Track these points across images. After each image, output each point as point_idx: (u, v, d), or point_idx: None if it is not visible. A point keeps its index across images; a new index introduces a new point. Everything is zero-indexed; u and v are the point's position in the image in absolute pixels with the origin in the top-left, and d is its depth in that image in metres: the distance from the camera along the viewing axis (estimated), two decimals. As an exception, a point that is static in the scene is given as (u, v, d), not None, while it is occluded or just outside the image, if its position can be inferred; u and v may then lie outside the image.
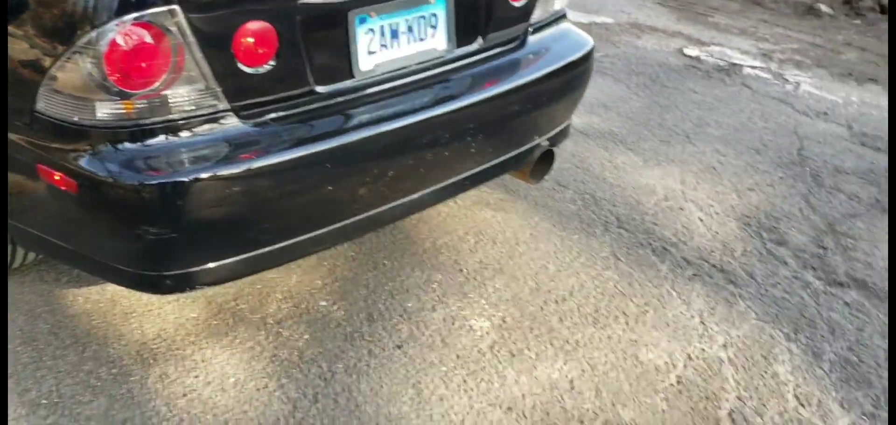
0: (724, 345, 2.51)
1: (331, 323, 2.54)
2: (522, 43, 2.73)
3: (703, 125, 4.04)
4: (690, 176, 3.53)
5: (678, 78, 4.64)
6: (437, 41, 2.40)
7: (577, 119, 3.93)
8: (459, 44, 2.48)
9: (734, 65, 4.90)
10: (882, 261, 2.96)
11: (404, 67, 2.32)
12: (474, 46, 2.54)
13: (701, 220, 3.19)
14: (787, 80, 4.69)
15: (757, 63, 4.95)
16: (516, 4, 2.63)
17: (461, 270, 2.82)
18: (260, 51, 1.99)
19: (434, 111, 2.34)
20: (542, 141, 2.85)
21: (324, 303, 2.62)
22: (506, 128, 2.65)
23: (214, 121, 2.03)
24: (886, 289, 2.81)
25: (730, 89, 4.52)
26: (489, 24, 2.51)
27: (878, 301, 2.75)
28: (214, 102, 2.01)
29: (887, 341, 2.57)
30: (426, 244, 2.95)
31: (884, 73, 4.90)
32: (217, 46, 1.95)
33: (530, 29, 2.75)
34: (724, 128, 4.02)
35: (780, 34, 5.63)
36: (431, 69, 2.39)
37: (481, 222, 3.11)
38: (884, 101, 4.46)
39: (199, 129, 2.01)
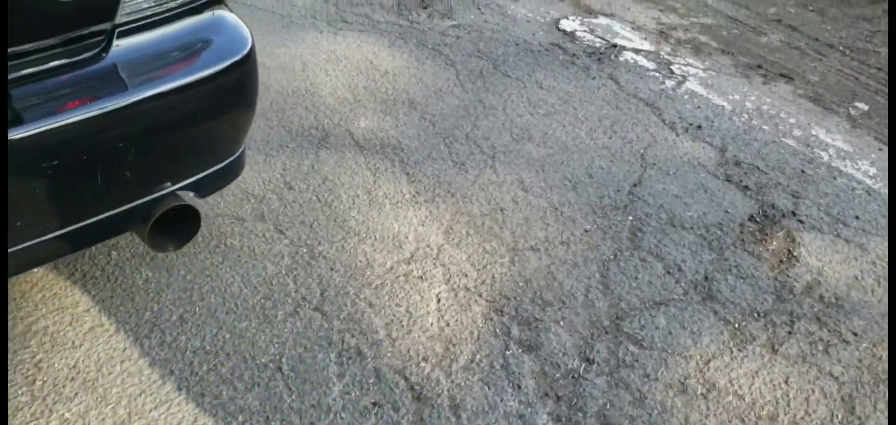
0: None
1: None
2: (102, 50, 1.80)
3: (523, 140, 3.08)
4: (463, 222, 2.60)
5: (530, 64, 3.65)
6: None
7: (365, 121, 3.00)
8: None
9: (614, 46, 3.89)
10: (619, 397, 2.04)
11: None
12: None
13: (438, 301, 2.28)
14: (672, 73, 3.68)
15: (645, 45, 3.94)
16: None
17: (35, 381, 1.95)
18: None
19: None
20: (166, 193, 1.97)
21: None
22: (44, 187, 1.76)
23: None
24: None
25: (590, 83, 3.53)
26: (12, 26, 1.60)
27: (623, 470, 1.84)
28: None
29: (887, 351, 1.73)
30: (21, 326, 2.08)
31: (806, 66, 3.86)
32: None
33: (116, 30, 1.83)
34: (550, 145, 3.06)
35: (697, 3, 4.57)
36: None
37: (125, 289, 2.22)
38: (789, 109, 3.44)
39: None
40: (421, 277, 2.38)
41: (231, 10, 2.13)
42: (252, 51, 2.04)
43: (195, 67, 1.96)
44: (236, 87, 2.03)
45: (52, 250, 1.87)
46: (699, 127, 3.27)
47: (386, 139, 3.01)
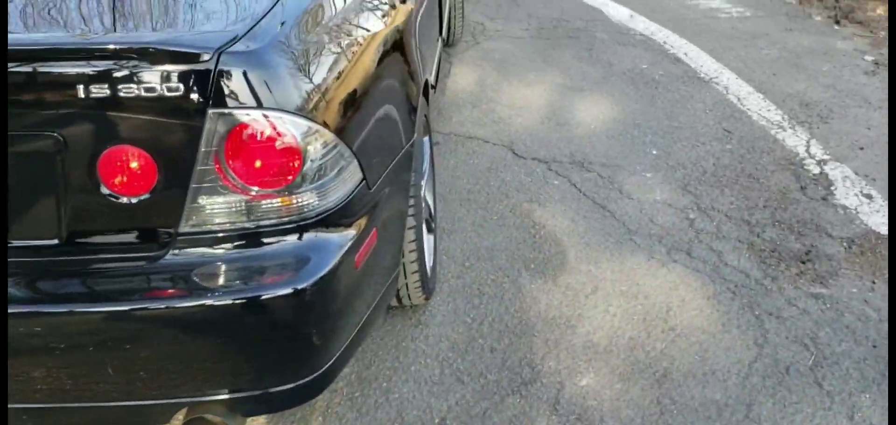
0: None
1: None
2: (159, 254, 1.96)
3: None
4: None
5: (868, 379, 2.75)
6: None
7: (589, 379, 2.69)
8: (17, 234, 1.91)
9: None
10: None
11: None
12: (48, 241, 1.92)
13: None
14: None
15: None
16: (121, 201, 1.91)
17: None
18: None
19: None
20: (189, 402, 2.06)
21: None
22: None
23: None
24: None
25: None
26: (71, 213, 1.89)
27: None
28: None
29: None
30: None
31: None
32: None
33: (178, 238, 1.96)
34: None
35: None
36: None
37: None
38: None
39: None
40: None
41: (341, 233, 2.06)
42: (309, 290, 1.97)
43: (241, 289, 1.96)
44: (280, 320, 1.97)
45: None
46: None
47: (589, 411, 2.57)
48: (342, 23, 2.41)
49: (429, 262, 3.02)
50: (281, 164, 1.95)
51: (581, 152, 4.39)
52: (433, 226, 3.27)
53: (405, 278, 2.76)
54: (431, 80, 3.53)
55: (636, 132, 4.65)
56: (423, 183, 3.02)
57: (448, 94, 5.23)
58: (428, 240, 3.10)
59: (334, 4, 2.43)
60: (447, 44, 5.87)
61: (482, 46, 6.17)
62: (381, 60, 2.52)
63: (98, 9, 2.13)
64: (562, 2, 7.32)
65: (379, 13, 2.68)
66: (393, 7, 2.84)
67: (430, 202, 3.28)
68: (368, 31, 2.52)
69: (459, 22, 5.91)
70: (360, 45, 2.41)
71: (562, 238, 3.57)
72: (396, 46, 2.72)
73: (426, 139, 3.21)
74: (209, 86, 1.84)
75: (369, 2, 2.67)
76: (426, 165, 3.15)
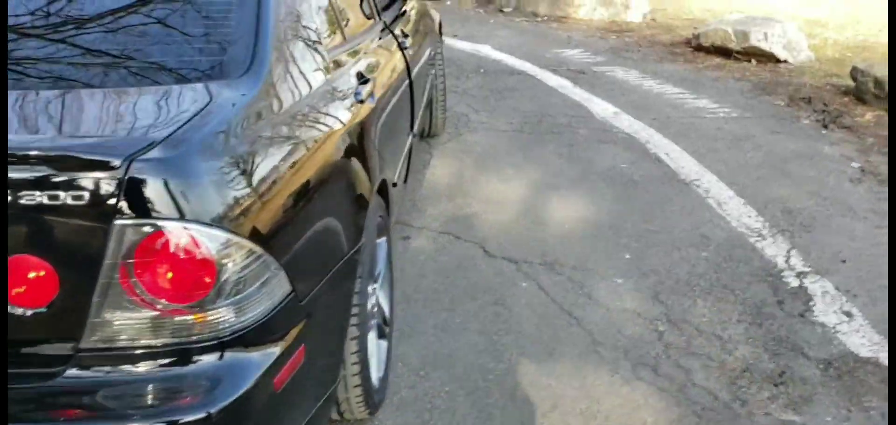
0: None
1: None
2: (58, 371, 1.83)
3: None
4: None
5: None
6: None
7: None
8: None
9: None
10: None
11: None
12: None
13: None
14: None
15: None
16: (17, 313, 1.78)
17: None
18: None
19: None
20: None
21: None
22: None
23: None
24: None
25: None
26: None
27: None
28: None
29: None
30: None
31: None
32: None
33: (80, 354, 1.83)
34: None
35: None
36: None
37: None
38: None
39: None
40: None
41: (262, 351, 1.93)
42: (216, 416, 1.83)
43: (146, 413, 1.83)
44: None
45: None
46: None
47: None
48: (285, 124, 2.30)
49: (378, 373, 2.88)
50: (193, 279, 1.83)
51: (553, 253, 4.26)
52: (387, 331, 3.12)
53: (346, 392, 2.61)
54: (394, 178, 3.43)
55: (610, 234, 4.53)
56: (375, 287, 2.89)
57: (425, 186, 5.13)
58: (379, 347, 2.96)
59: (279, 105, 2.32)
60: (429, 135, 5.81)
61: (464, 138, 6.10)
62: (325, 164, 2.42)
63: (17, 111, 2.03)
64: (549, 97, 7.29)
65: (330, 114, 2.59)
66: (347, 107, 2.75)
67: (386, 306, 3.15)
68: (315, 133, 2.42)
69: (441, 114, 5.85)
70: (304, 149, 2.30)
71: (524, 346, 3.42)
72: (347, 149, 2.62)
73: (382, 241, 3.08)
74: (117, 195, 1.73)
75: (319, 102, 2.57)
76: (381, 268, 3.02)
